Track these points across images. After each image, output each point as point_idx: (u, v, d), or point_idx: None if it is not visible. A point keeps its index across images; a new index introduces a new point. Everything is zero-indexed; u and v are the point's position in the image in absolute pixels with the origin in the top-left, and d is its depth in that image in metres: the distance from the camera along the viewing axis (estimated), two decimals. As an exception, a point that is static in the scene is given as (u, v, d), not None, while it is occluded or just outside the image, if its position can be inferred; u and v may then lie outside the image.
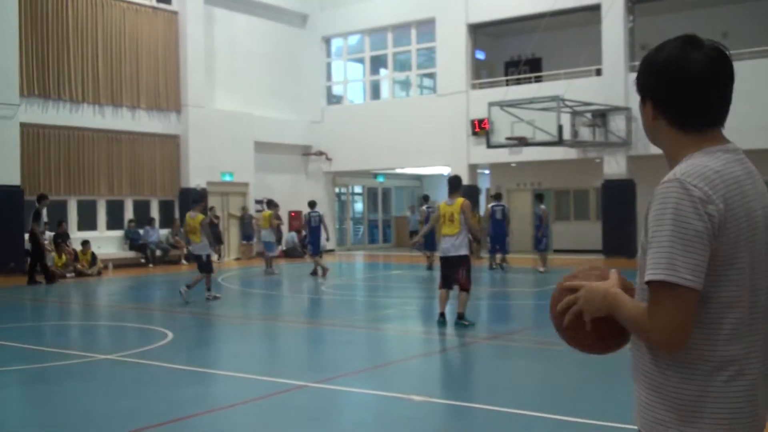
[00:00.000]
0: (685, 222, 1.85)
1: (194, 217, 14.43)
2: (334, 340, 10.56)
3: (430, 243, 19.93)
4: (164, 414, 6.52)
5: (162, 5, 24.39)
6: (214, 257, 24.87)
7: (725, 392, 1.90)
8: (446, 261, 10.83)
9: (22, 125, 20.48)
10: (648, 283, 1.89)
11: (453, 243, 10.72)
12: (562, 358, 8.93)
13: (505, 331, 10.97)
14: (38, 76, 21.13)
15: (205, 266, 14.40)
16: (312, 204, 20.22)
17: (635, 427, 2.05)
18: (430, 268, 20.42)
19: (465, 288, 10.72)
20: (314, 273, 19.53)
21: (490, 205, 20.85)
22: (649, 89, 2.06)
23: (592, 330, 2.05)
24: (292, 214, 28.23)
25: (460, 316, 10.70)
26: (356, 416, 6.65)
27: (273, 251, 20.75)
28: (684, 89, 1.97)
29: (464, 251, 10.74)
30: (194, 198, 16.82)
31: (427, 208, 21.15)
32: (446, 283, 10.88)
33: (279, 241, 27.04)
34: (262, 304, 15.59)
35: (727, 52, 2.01)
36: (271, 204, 21.21)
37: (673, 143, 2.05)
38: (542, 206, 19.21)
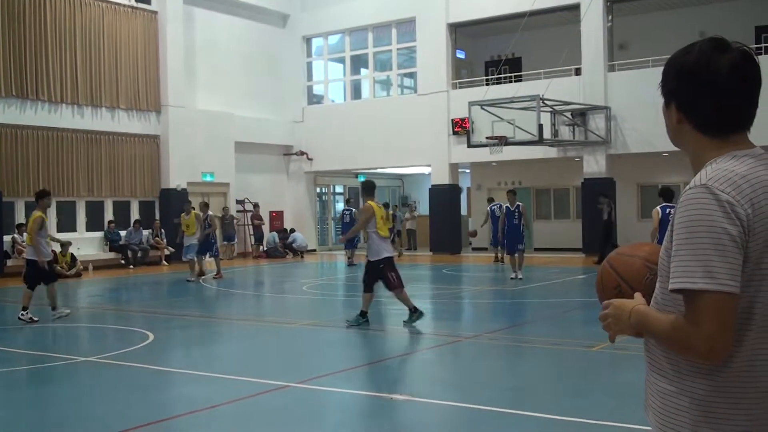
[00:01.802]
0: (718, 227, 1.81)
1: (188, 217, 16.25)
2: (317, 339, 10.56)
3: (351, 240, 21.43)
4: (146, 416, 6.50)
5: (141, 5, 24.23)
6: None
7: (750, 394, 1.87)
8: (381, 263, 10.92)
9: (0, 126, 20.29)
10: (681, 291, 1.84)
11: (369, 248, 11.00)
12: (543, 356, 8.99)
13: (488, 329, 11.01)
14: (16, 77, 20.92)
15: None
16: (206, 206, 19.11)
17: (617, 424, 2.06)
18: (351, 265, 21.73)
19: (392, 288, 10.88)
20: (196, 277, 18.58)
21: (489, 206, 21.52)
22: (674, 93, 2.01)
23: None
24: (273, 214, 28.19)
25: (414, 309, 10.80)
26: (339, 416, 6.66)
27: (191, 255, 18.43)
28: (711, 93, 1.93)
29: (378, 255, 10.79)
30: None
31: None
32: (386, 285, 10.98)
33: (260, 240, 27.03)
34: (244, 304, 15.55)
35: (755, 55, 1.97)
36: (189, 202, 19.56)
37: (697, 147, 2.00)
38: (520, 203, 17.31)
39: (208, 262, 19.58)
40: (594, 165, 23.32)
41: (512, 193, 17.47)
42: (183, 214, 18.89)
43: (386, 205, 22.21)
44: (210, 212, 19.17)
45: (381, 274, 10.78)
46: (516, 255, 16.81)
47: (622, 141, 22.70)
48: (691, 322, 1.81)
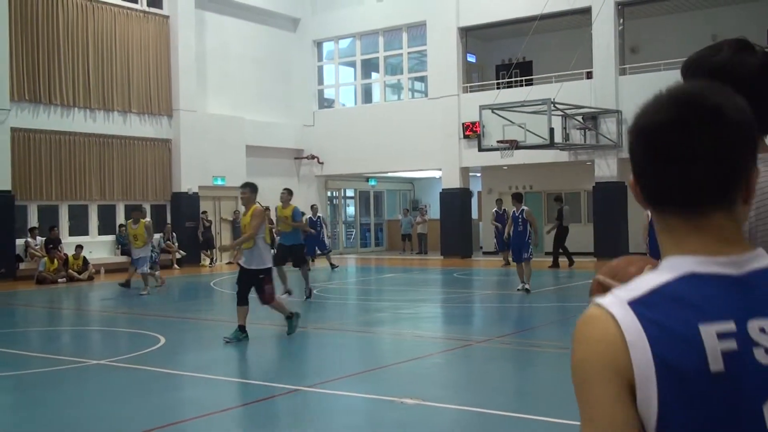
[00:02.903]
0: None
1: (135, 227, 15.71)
2: (326, 343, 10.57)
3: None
4: (157, 419, 6.52)
5: (153, 9, 24.36)
6: (206, 261, 24.93)
7: None
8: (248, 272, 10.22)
9: (13, 130, 20.43)
10: None
11: (249, 255, 10.17)
12: (554, 360, 8.96)
13: (498, 333, 10.99)
14: (29, 81, 21.07)
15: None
16: (138, 207, 18.79)
17: None
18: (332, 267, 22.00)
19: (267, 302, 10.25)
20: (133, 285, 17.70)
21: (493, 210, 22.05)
22: None
23: None
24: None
25: (291, 315, 10.48)
26: (348, 420, 6.66)
27: (143, 267, 16.59)
28: (745, 94, 1.92)
29: (261, 264, 10.15)
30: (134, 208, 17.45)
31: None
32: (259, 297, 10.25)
33: (271, 244, 26.99)
34: (255, 307, 15.54)
35: None
36: (139, 211, 17.46)
37: None
38: (525, 207, 15.81)
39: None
40: (605, 169, 23.25)
41: (516, 197, 15.91)
42: (130, 221, 16.97)
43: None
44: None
45: (259, 284, 10.06)
46: (523, 264, 15.35)
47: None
48: None
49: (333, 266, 22.46)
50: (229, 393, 7.45)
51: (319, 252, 22.46)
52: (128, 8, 23.64)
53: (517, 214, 15.58)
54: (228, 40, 26.62)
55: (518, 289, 15.37)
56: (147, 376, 8.24)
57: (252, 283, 10.15)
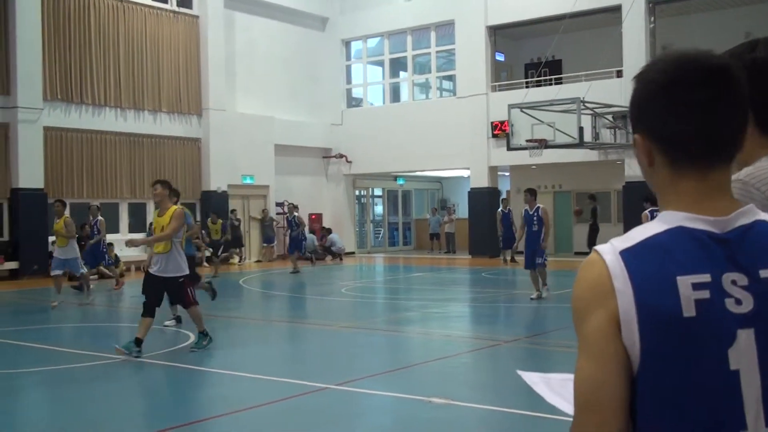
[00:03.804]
0: None
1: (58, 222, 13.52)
2: (356, 342, 10.58)
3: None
4: (187, 415, 6.57)
5: (183, 10, 24.57)
6: (235, 259, 25.05)
7: None
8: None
9: (46, 129, 20.71)
10: None
11: (165, 261, 9.21)
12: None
13: (526, 333, 10.94)
14: (61, 81, 21.35)
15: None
16: (96, 209, 17.55)
17: None
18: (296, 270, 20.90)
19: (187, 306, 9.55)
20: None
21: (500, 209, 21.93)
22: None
23: None
24: (312, 216, 28.30)
25: (205, 333, 9.50)
26: (377, 419, 6.66)
27: (77, 270, 14.95)
28: None
29: (179, 271, 9.29)
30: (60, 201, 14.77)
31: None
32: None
33: (299, 244, 27.10)
34: (284, 306, 15.64)
35: None
36: (61, 203, 15.00)
37: (751, 144, 1.91)
38: (540, 205, 14.08)
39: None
40: (636, 168, 22.92)
41: (530, 193, 14.06)
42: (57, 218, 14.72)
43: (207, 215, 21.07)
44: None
45: (180, 289, 9.34)
46: (536, 270, 13.77)
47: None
48: None
49: (295, 270, 20.90)
50: (258, 390, 7.49)
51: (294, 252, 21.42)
52: (158, 8, 23.86)
53: (531, 212, 13.81)
54: (257, 40, 26.75)
55: (532, 298, 13.73)
56: (178, 373, 8.30)
57: (168, 290, 9.40)
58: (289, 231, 22.12)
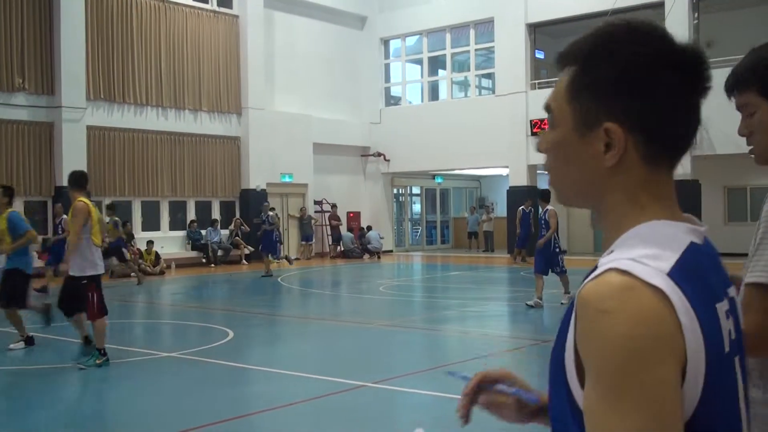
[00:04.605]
0: None
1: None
2: (393, 340, 10.57)
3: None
4: (225, 411, 6.61)
5: (223, 9, 24.78)
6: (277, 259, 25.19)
7: None
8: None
9: (89, 128, 21.05)
10: (746, 284, 1.78)
11: (73, 259, 8.39)
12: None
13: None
14: (104, 81, 21.67)
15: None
16: (60, 209, 16.41)
17: None
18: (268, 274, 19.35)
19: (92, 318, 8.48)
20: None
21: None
22: None
23: None
24: (350, 214, 28.37)
25: (100, 349, 8.47)
26: (415, 417, 6.64)
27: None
28: None
29: (83, 271, 8.39)
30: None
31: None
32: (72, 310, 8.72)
33: (337, 241, 27.25)
34: (322, 303, 15.70)
35: None
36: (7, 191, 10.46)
37: None
38: (550, 207, 13.23)
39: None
40: (678, 167, 22.22)
41: (542, 195, 13.40)
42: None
43: (111, 207, 19.24)
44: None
45: (81, 293, 8.37)
46: (559, 278, 13.12)
47: (708, 142, 21.98)
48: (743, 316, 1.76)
49: (267, 273, 19.39)
50: (295, 387, 7.51)
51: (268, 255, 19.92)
52: (199, 8, 24.10)
53: (540, 214, 13.32)
54: (296, 39, 26.88)
55: (528, 304, 12.92)
56: (215, 370, 8.37)
57: (74, 292, 8.51)
58: (261, 232, 20.43)
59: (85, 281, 8.35)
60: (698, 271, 1.09)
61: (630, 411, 0.98)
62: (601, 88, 1.15)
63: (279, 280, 18.84)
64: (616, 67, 1.14)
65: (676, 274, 1.04)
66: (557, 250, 13.01)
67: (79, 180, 8.61)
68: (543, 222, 13.19)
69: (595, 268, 1.11)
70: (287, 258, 22.78)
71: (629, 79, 1.13)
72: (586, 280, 1.08)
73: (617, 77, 1.13)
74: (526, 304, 12.96)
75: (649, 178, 1.18)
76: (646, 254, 1.06)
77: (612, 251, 1.12)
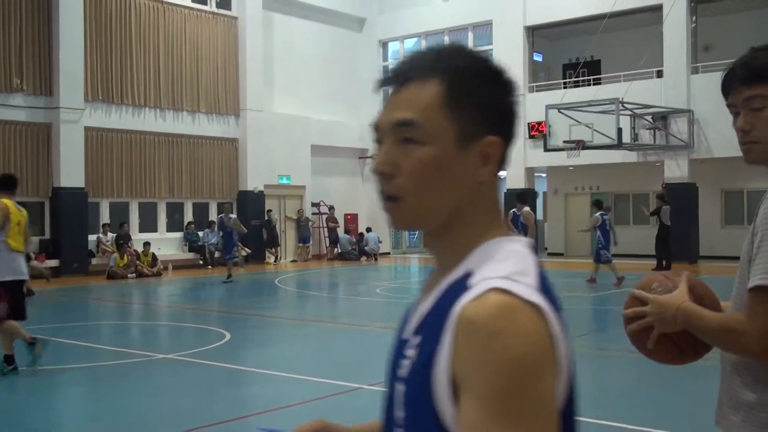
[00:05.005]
0: None
1: None
2: (390, 343, 10.53)
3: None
4: (222, 413, 6.60)
5: (222, 11, 24.78)
6: (271, 259, 25.17)
7: None
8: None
9: (87, 129, 21.02)
10: (749, 290, 1.79)
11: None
12: (620, 363, 8.78)
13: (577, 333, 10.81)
14: (102, 82, 21.65)
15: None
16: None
17: None
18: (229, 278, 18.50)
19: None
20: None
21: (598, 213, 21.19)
22: None
23: (667, 341, 1.98)
24: (348, 216, 28.37)
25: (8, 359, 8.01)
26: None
27: None
28: None
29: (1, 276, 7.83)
30: None
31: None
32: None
33: (335, 243, 27.25)
34: (319, 305, 15.69)
35: None
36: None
37: None
38: (526, 208, 14.49)
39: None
40: (676, 170, 22.69)
41: (519, 198, 13.81)
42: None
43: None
44: None
45: None
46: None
47: (706, 145, 22.03)
48: (750, 319, 1.77)
49: (229, 277, 18.52)
50: (292, 389, 7.50)
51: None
52: (198, 10, 24.09)
53: (513, 213, 13.51)
54: (294, 41, 26.89)
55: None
56: (212, 371, 8.36)
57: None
58: (221, 234, 19.81)
59: (2, 287, 7.74)
60: (547, 283, 1.12)
61: (526, 427, 0.99)
62: (484, 101, 1.16)
63: (276, 282, 18.81)
64: (487, 80, 1.18)
65: (541, 288, 1.08)
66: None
67: (7, 182, 8.30)
68: (520, 225, 13.44)
69: (457, 286, 1.10)
70: (236, 262, 20.32)
71: (501, 92, 1.18)
72: (460, 301, 1.06)
73: (491, 90, 1.17)
74: None
75: (496, 194, 1.19)
76: (515, 271, 1.08)
77: (471, 269, 1.11)
